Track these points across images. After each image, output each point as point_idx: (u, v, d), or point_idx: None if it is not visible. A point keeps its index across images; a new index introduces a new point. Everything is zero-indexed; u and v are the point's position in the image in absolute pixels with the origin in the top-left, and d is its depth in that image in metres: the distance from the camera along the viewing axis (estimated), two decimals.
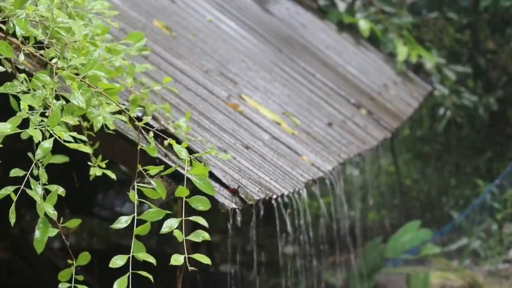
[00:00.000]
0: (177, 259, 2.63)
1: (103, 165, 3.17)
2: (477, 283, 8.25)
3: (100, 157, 3.18)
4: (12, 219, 2.60)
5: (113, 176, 3.15)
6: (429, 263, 8.35)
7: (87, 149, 2.72)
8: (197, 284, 3.68)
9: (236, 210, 3.59)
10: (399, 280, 7.93)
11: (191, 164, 2.77)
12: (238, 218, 3.61)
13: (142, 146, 2.83)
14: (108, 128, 2.92)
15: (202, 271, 2.84)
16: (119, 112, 2.98)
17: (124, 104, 3.63)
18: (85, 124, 3.05)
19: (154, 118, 3.78)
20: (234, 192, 3.66)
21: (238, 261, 4.32)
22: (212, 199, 2.89)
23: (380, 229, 9.01)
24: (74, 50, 2.84)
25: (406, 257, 8.16)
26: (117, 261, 2.64)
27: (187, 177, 2.73)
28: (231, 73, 5.52)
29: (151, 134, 2.84)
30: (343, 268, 7.43)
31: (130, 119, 2.89)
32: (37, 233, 2.63)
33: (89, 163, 3.14)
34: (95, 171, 3.11)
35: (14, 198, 2.59)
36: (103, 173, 3.15)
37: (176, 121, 3.86)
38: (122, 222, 2.68)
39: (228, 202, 3.57)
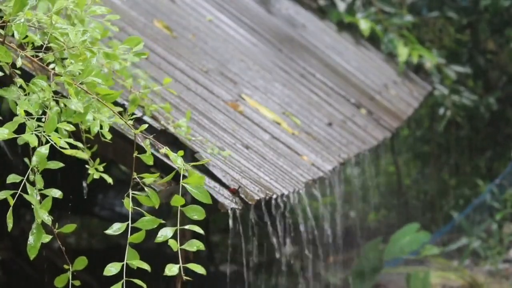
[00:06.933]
0: (172, 269, 2.63)
1: (101, 168, 3.16)
2: (477, 283, 8.25)
3: (98, 160, 3.18)
4: (10, 224, 2.60)
5: (110, 180, 3.15)
6: (429, 263, 8.35)
7: (84, 155, 2.70)
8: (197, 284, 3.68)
9: (236, 210, 3.59)
10: (399, 280, 7.93)
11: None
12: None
13: (137, 155, 2.81)
14: (104, 137, 2.91)
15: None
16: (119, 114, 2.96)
17: (123, 104, 3.63)
18: (83, 127, 3.04)
19: (154, 118, 3.78)
20: (234, 192, 3.66)
21: (238, 261, 4.32)
22: (212, 199, 2.88)
23: (380, 229, 9.01)
24: (72, 56, 2.83)
25: (406, 257, 8.16)
26: (111, 269, 2.63)
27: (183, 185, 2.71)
28: (231, 73, 5.52)
29: (147, 142, 2.82)
30: (343, 268, 7.42)
31: (128, 125, 2.88)
32: (30, 239, 2.63)
33: (87, 165, 3.13)
34: (92, 175, 3.11)
35: (12, 202, 2.58)
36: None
37: (176, 121, 3.86)
38: (115, 229, 2.67)
39: (228, 202, 3.57)
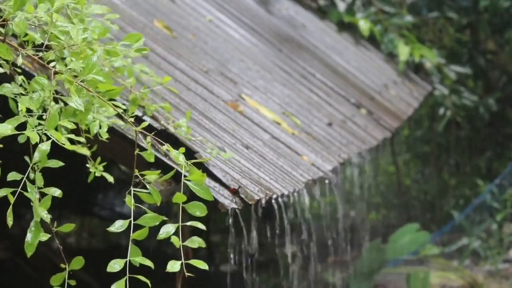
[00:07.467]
0: (174, 266, 2.63)
1: (101, 168, 3.16)
2: (477, 283, 8.25)
3: (98, 159, 3.17)
4: (10, 222, 2.60)
5: (111, 179, 3.14)
6: (429, 263, 8.36)
7: (85, 151, 2.70)
8: (197, 284, 3.68)
9: (236, 210, 3.59)
10: (399, 280, 7.93)
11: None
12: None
13: (138, 152, 2.81)
14: (101, 136, 2.90)
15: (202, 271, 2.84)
16: (119, 116, 2.96)
17: (124, 104, 3.63)
18: (83, 126, 3.03)
19: (154, 118, 3.78)
20: (235, 192, 3.66)
21: (238, 260, 4.32)
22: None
23: (380, 229, 9.01)
24: (72, 53, 2.83)
25: (406, 257, 8.16)
26: (115, 266, 2.62)
27: (185, 182, 2.72)
28: (231, 73, 5.52)
29: (148, 139, 2.82)
30: (343, 268, 7.42)
31: (128, 122, 2.88)
32: (28, 236, 2.63)
33: (87, 165, 3.13)
34: (93, 174, 3.10)
35: (12, 200, 2.58)
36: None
37: (176, 121, 3.85)
38: (117, 226, 2.67)
39: (228, 202, 3.57)
